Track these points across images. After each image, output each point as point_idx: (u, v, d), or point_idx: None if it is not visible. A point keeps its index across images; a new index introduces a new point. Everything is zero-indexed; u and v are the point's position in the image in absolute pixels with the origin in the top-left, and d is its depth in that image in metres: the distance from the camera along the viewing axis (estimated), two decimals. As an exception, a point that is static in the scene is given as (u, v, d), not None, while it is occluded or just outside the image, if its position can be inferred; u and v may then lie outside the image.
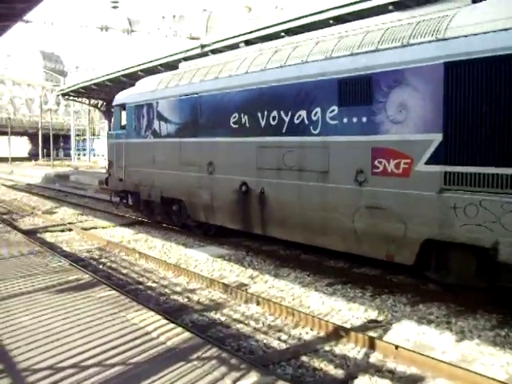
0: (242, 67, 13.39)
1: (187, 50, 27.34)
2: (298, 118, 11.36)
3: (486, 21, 8.39)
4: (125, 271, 12.11)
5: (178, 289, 10.56)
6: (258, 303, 9.29)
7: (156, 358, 5.65)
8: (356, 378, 6.47)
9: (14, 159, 79.97)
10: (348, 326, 8.25)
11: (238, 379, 5.08)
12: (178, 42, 29.87)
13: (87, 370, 5.38)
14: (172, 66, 30.24)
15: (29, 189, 31.58)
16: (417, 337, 7.80)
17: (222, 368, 5.35)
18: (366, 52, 10.14)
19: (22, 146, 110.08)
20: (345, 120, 10.32)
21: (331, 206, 10.67)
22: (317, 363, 6.93)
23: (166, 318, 7.13)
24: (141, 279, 11.38)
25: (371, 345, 7.30)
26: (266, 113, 12.17)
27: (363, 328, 8.15)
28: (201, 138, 14.45)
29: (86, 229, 17.35)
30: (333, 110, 10.55)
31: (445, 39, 8.89)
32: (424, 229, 9.08)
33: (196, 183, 14.75)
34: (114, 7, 28.69)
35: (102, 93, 49.17)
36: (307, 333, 8.07)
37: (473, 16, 8.77)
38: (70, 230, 17.48)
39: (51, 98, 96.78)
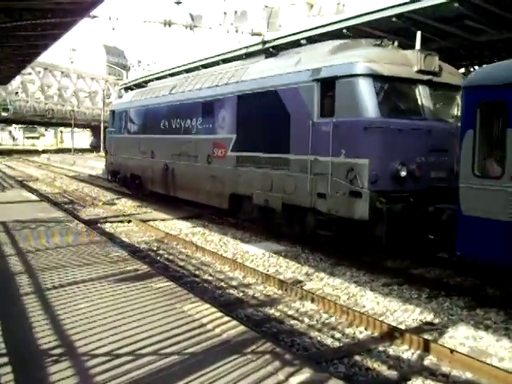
0: (166, 90, 21.59)
1: (248, 46, 27.36)
2: (186, 124, 18.89)
3: (254, 73, 15.44)
4: (182, 263, 12.34)
5: (234, 283, 10.70)
6: (312, 300, 9.33)
7: (211, 350, 5.74)
8: (409, 380, 6.44)
9: (77, 151, 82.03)
10: (403, 327, 8.20)
11: (292, 375, 5.11)
12: (240, 37, 29.91)
13: (144, 357, 5.50)
14: (232, 61, 30.44)
15: (90, 180, 32.43)
16: (473, 342, 7.68)
17: (275, 363, 5.39)
18: (214, 86, 17.43)
19: (84, 137, 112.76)
20: (204, 126, 17.72)
21: (198, 176, 17.85)
22: (370, 363, 6.93)
23: (222, 311, 7.22)
24: (197, 272, 11.58)
25: (426, 347, 7.24)
26: (175, 120, 19.86)
27: (418, 330, 8.09)
28: (148, 135, 22.56)
29: (144, 221, 17.73)
30: (199, 120, 18.03)
31: (240, 82, 15.86)
32: (230, 187, 16.00)
33: (146, 165, 22.57)
34: (178, 3, 28.97)
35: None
36: (361, 332, 8.07)
37: (252, 69, 15.83)
38: (129, 221, 17.89)
39: (113, 92, 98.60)
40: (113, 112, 27.57)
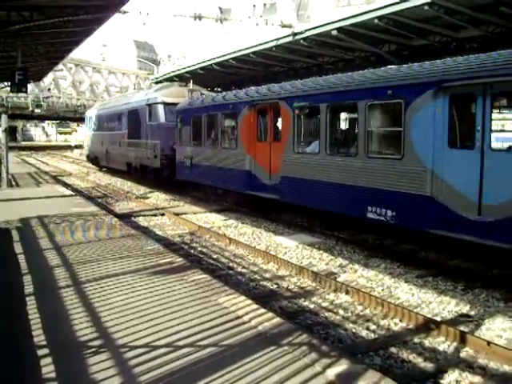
0: (108, 104, 37.45)
1: (279, 38, 27.35)
2: (113, 125, 32.92)
3: (135, 98, 30.24)
4: (215, 256, 12.39)
5: (268, 275, 10.72)
6: (347, 292, 9.31)
7: (248, 342, 5.77)
8: (445, 372, 6.39)
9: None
10: (438, 319, 8.12)
11: (329, 366, 5.11)
12: (270, 30, 29.83)
13: (181, 349, 5.55)
14: (263, 54, 30.39)
15: (123, 174, 32.63)
16: (510, 334, 7.58)
17: (312, 354, 5.39)
18: (120, 105, 32.18)
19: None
20: (119, 126, 31.71)
21: (117, 154, 31.90)
22: (405, 355, 6.89)
23: (257, 303, 7.23)
24: (231, 264, 11.63)
25: (462, 339, 7.17)
26: (110, 123, 33.98)
27: (454, 322, 8.01)
28: (100, 132, 36.73)
29: (177, 214, 17.84)
30: (117, 123, 32.18)
31: (129, 103, 30.28)
32: (126, 159, 30.22)
33: (99, 150, 36.56)
34: (207, -3, 29.05)
35: (195, 81, 49.92)
36: (396, 324, 8.02)
37: (135, 96, 31.01)
38: (163, 214, 18.02)
39: (144, 86, 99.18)
40: (86, 116, 43.73)
